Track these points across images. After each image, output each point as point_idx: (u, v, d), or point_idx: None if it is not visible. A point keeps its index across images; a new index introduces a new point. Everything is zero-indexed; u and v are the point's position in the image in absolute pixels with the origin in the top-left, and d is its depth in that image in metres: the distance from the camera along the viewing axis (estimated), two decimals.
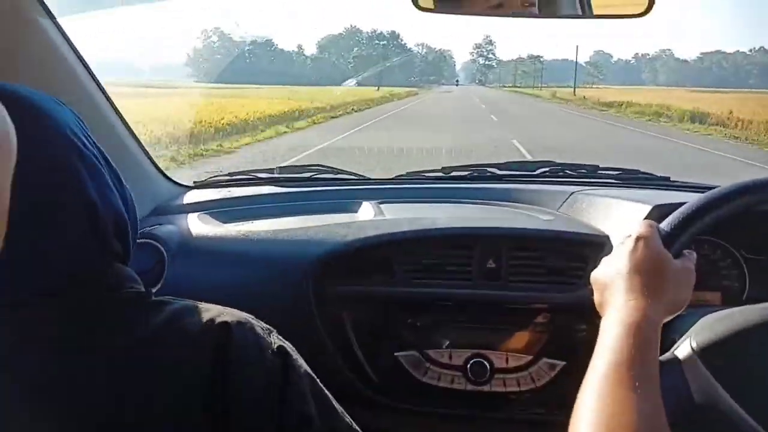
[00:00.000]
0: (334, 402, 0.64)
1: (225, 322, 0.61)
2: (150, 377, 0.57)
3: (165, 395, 0.57)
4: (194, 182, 1.71)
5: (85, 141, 0.63)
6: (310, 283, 1.19)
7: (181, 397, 0.57)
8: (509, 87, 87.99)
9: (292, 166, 1.80)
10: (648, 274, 0.69)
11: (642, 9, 0.88)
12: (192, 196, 1.57)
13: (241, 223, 1.40)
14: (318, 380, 0.64)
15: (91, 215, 0.60)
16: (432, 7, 0.95)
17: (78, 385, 0.56)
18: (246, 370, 0.59)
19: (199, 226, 1.36)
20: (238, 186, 1.67)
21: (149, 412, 0.56)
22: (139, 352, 0.58)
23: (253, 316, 0.65)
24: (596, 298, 0.73)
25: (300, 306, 1.18)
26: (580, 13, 1.05)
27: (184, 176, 1.74)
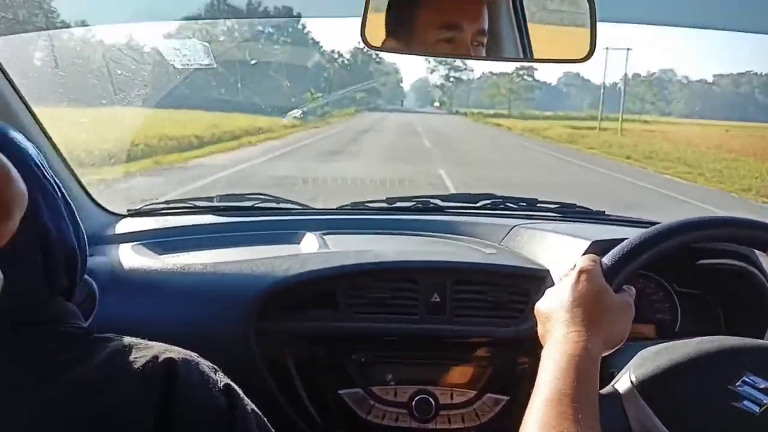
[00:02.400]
0: None
1: (170, 359, 0.60)
2: (93, 416, 0.55)
3: None
4: (128, 210, 1.63)
5: (45, 174, 0.64)
6: (252, 319, 1.15)
7: None
8: (498, 117, 45.69)
9: (232, 194, 1.75)
10: (589, 308, 0.70)
11: (583, 54, 0.92)
12: (125, 226, 1.50)
13: (178, 254, 1.35)
14: (264, 419, 0.63)
15: (45, 247, 0.60)
16: (380, 45, 0.95)
17: (14, 425, 0.53)
18: (193, 408, 0.58)
19: (133, 257, 1.29)
20: (174, 215, 1.61)
21: None
22: (81, 389, 0.56)
23: (197, 354, 0.64)
24: (539, 329, 0.74)
25: (241, 342, 1.14)
26: (522, 56, 1.09)
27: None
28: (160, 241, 1.41)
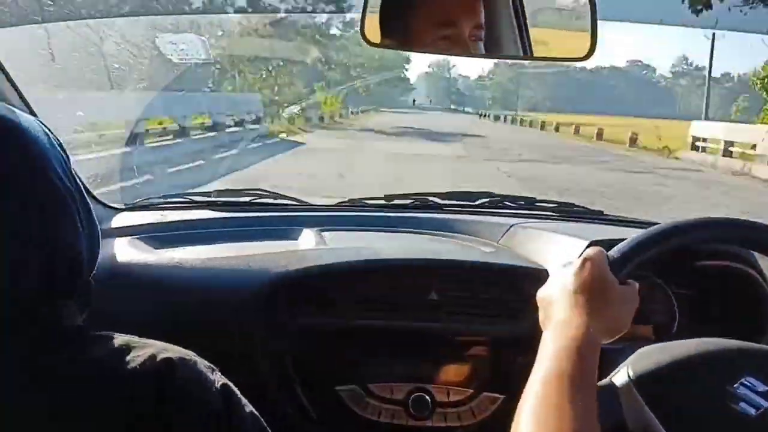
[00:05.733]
0: None
1: (168, 359, 0.59)
2: (89, 414, 0.55)
3: None
4: (125, 204, 1.63)
5: (63, 176, 0.62)
6: (249, 314, 1.15)
7: None
8: None
9: (230, 189, 1.75)
10: (592, 294, 0.70)
11: (584, 53, 0.92)
12: (122, 220, 1.49)
13: (174, 248, 1.34)
14: (261, 419, 0.63)
15: (50, 259, 0.59)
16: (378, 42, 0.95)
17: (15, 424, 0.53)
18: (189, 409, 0.57)
19: (129, 251, 1.29)
20: (172, 209, 1.61)
21: None
22: (80, 388, 0.56)
23: (195, 353, 0.63)
24: (540, 315, 0.74)
25: (237, 338, 1.14)
26: (521, 54, 1.08)
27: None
28: (156, 236, 1.40)
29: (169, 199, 1.67)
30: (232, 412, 0.59)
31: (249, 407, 0.62)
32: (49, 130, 0.67)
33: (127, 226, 1.44)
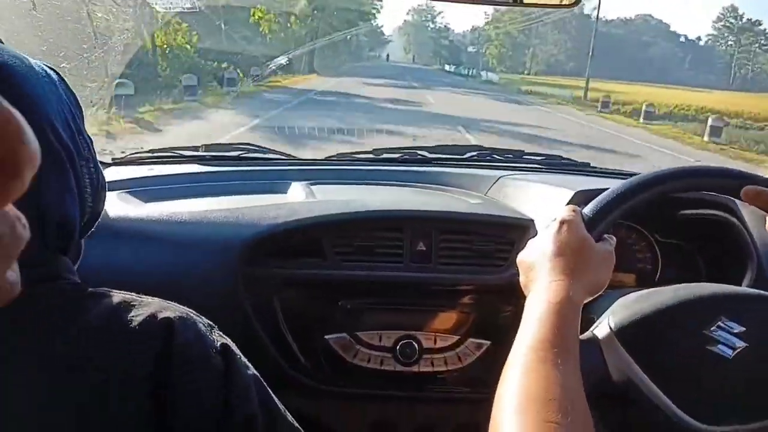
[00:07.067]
0: (278, 401, 0.63)
1: (167, 318, 0.58)
2: (88, 374, 0.54)
3: (104, 394, 0.54)
4: (113, 159, 1.62)
5: (62, 132, 0.59)
6: (239, 267, 1.16)
7: (120, 397, 0.54)
8: None
9: (218, 144, 1.74)
10: (571, 256, 0.71)
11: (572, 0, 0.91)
12: (110, 174, 1.49)
13: (163, 202, 1.34)
14: (261, 379, 0.62)
15: (38, 220, 0.58)
16: None
17: (9, 383, 0.53)
18: (190, 370, 0.57)
19: (118, 205, 1.29)
20: (160, 164, 1.60)
21: (86, 411, 0.53)
22: (80, 345, 0.55)
23: (194, 311, 0.63)
24: (521, 279, 0.76)
25: (228, 290, 1.15)
26: (511, 0, 1.07)
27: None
28: (145, 190, 1.40)
29: (156, 154, 1.66)
30: (233, 373, 0.59)
31: (250, 368, 0.62)
32: (60, 77, 0.65)
33: (114, 181, 1.44)
